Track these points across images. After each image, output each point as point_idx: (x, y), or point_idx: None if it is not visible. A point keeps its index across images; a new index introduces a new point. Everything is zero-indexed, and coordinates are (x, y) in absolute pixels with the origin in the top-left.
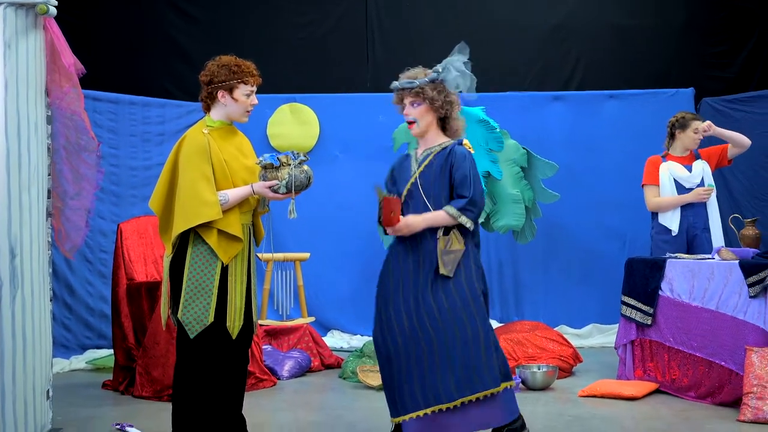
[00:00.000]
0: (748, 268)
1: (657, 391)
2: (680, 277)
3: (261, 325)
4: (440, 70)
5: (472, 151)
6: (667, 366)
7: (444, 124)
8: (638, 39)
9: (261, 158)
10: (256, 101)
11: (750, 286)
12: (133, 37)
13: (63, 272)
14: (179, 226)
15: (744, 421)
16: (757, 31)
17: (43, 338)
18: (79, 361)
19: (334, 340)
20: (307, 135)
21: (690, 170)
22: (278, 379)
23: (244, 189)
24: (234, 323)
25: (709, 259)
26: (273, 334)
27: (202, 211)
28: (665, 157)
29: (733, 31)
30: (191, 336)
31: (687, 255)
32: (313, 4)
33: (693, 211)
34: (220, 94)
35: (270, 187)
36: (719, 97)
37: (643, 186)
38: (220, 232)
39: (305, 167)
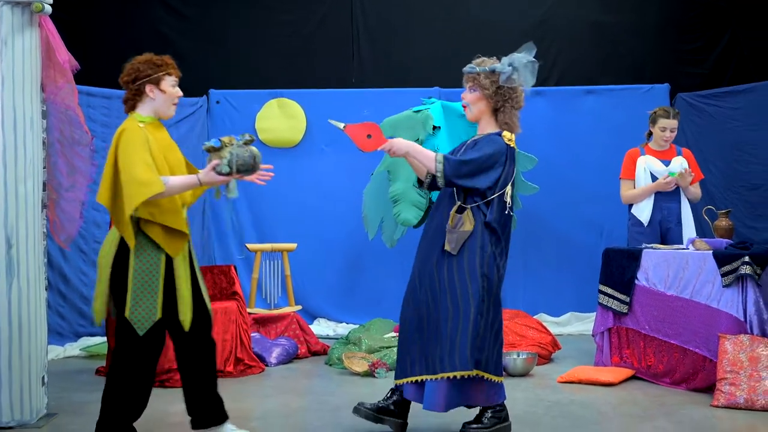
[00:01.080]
0: (721, 258)
1: (633, 378)
2: (656, 267)
3: (250, 314)
4: (503, 62)
5: (512, 145)
6: (642, 353)
7: (497, 115)
8: (615, 36)
9: (206, 143)
10: (180, 93)
11: (723, 275)
12: (125, 34)
13: (58, 262)
14: (126, 212)
15: (717, 407)
16: (730, 29)
17: (39, 326)
18: (73, 348)
19: (321, 327)
20: (294, 129)
21: (667, 165)
22: (266, 365)
23: (190, 178)
24: (186, 315)
25: (683, 249)
26: (261, 322)
27: (139, 190)
28: (644, 149)
29: (707, 29)
30: (140, 333)
31: (662, 245)
32: (300, 2)
33: (666, 205)
34: (148, 88)
35: (214, 169)
36: (693, 93)
37: (620, 179)
38: (165, 227)
39: (252, 148)
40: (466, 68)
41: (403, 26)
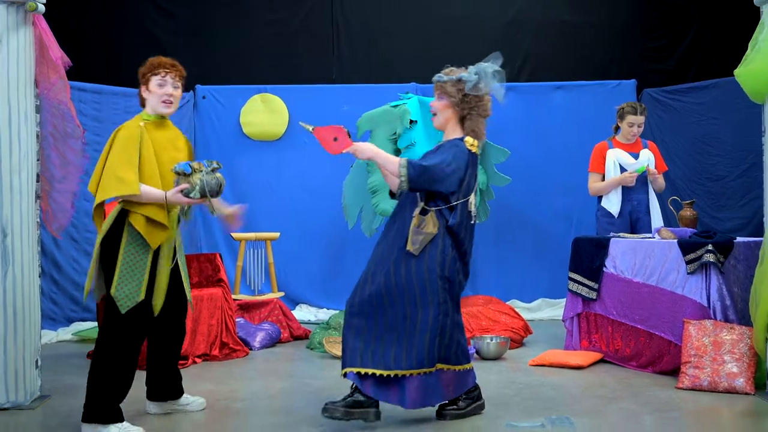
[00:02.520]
0: (686, 246)
1: (601, 361)
2: (623, 255)
3: (235, 300)
4: (469, 71)
5: (474, 150)
6: (610, 337)
7: (463, 122)
8: (584, 34)
9: (175, 166)
10: (169, 91)
11: (688, 263)
12: (115, 32)
13: (50, 250)
14: (97, 200)
15: (682, 389)
16: (694, 27)
17: (33, 311)
18: (65, 333)
19: (302, 313)
20: (277, 123)
21: (635, 157)
22: (250, 349)
23: (159, 193)
24: (157, 301)
25: (649, 238)
26: (245, 307)
27: (114, 186)
28: (611, 142)
29: (672, 27)
30: (122, 311)
31: (629, 234)
32: (283, 2)
33: (636, 196)
34: (142, 89)
35: (182, 192)
36: (659, 88)
37: (589, 172)
38: (148, 219)
39: (218, 174)
40: (435, 77)
41: (381, 25)
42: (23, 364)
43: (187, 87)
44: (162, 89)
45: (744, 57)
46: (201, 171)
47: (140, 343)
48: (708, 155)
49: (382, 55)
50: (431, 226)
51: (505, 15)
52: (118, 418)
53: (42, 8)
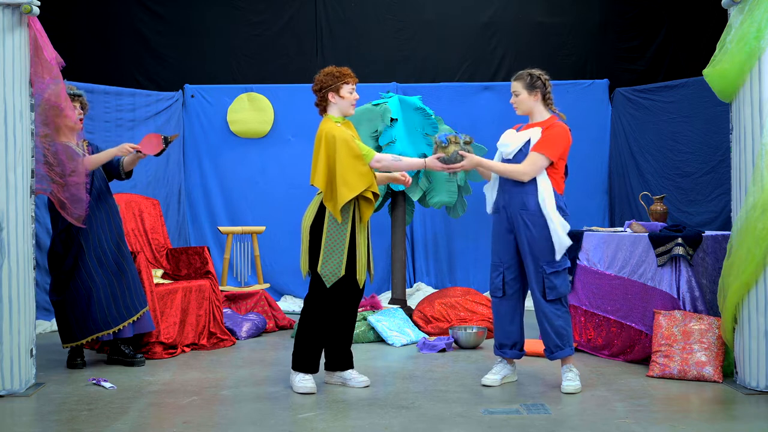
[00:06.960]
0: (656, 240)
1: (575, 350)
2: (596, 248)
3: (222, 291)
4: None
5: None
6: (583, 327)
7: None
8: (558, 35)
9: (437, 136)
10: (357, 96)
11: (658, 256)
12: (107, 33)
13: (45, 243)
14: (350, 196)
15: (652, 377)
16: (664, 28)
17: (27, 302)
18: None
19: (287, 304)
20: (263, 121)
21: (512, 137)
22: (237, 339)
23: (418, 161)
24: (362, 276)
25: (621, 231)
26: (232, 298)
27: (360, 181)
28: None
29: (643, 29)
30: (327, 286)
31: (602, 228)
32: (268, 3)
33: (509, 190)
34: (330, 95)
35: (439, 159)
36: (631, 87)
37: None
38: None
39: (470, 148)
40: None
41: (362, 26)
42: (18, 352)
43: (177, 86)
44: (352, 95)
45: (712, 57)
46: (457, 143)
47: (342, 314)
48: (678, 152)
49: (364, 55)
50: None
51: (482, 17)
52: (311, 370)
53: (36, 10)
